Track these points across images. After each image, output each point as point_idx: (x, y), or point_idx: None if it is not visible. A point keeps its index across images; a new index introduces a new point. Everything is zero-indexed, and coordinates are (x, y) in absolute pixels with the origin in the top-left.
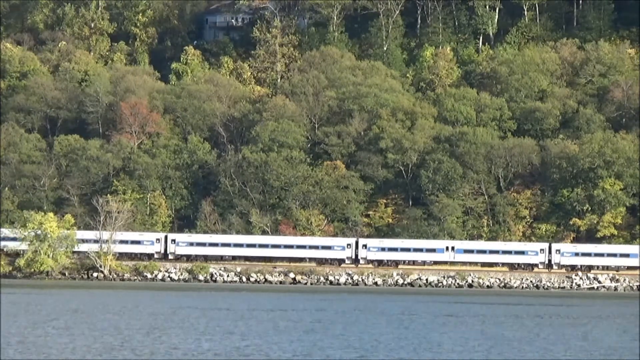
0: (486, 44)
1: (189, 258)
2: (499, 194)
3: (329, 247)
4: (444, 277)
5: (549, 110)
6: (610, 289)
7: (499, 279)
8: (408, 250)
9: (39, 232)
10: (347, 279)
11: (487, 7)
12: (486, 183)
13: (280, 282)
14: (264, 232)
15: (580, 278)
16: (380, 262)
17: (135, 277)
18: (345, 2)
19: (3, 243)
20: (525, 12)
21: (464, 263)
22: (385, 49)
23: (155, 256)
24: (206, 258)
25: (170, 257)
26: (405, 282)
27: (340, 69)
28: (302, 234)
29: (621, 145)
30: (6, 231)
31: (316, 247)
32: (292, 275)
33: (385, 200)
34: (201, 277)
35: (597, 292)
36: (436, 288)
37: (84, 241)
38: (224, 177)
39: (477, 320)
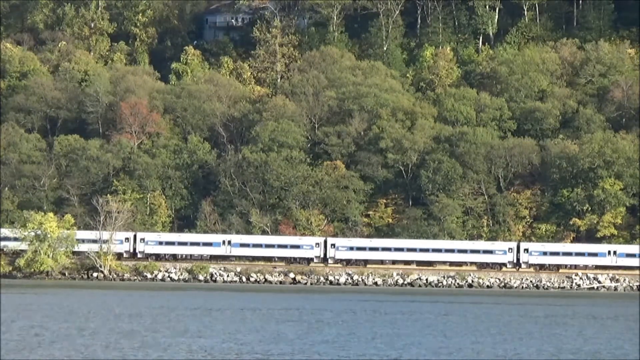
0: (486, 44)
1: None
2: (498, 194)
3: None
4: (444, 277)
5: (549, 110)
6: (610, 289)
7: (499, 279)
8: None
9: (39, 232)
10: (347, 279)
11: (487, 7)
12: (486, 183)
13: (280, 282)
14: (264, 232)
15: (580, 278)
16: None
17: (135, 277)
18: (345, 2)
19: (3, 243)
20: (525, 12)
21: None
22: (385, 49)
23: (315, 260)
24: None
25: (330, 261)
26: (405, 282)
27: (340, 69)
28: (302, 234)
29: (621, 145)
30: (6, 231)
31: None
32: (292, 275)
33: (385, 200)
34: (201, 277)
35: (597, 292)
36: (436, 288)
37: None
38: (224, 177)
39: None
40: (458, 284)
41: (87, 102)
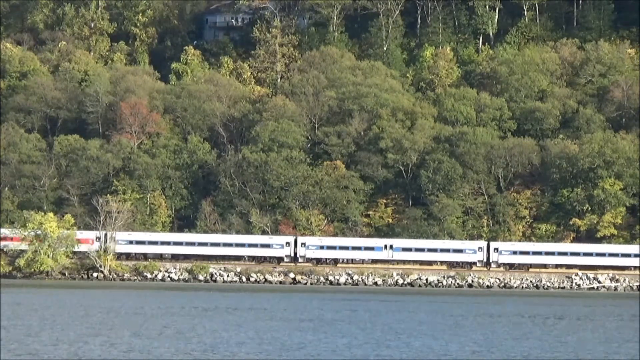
0: (486, 44)
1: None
2: (498, 194)
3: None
4: (443, 277)
5: (549, 110)
6: (610, 289)
7: (499, 279)
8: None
9: (39, 232)
10: (347, 279)
11: (487, 7)
12: (486, 183)
13: (280, 282)
14: (264, 232)
15: (580, 278)
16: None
17: (135, 277)
18: (345, 2)
19: (3, 243)
20: (525, 12)
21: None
22: (385, 49)
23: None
24: None
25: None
26: (405, 282)
27: (340, 69)
28: (302, 233)
29: (621, 145)
30: (6, 231)
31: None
32: (292, 275)
33: (385, 200)
34: (201, 277)
35: (597, 292)
36: (436, 288)
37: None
38: (224, 177)
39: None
40: (458, 284)
41: (87, 102)
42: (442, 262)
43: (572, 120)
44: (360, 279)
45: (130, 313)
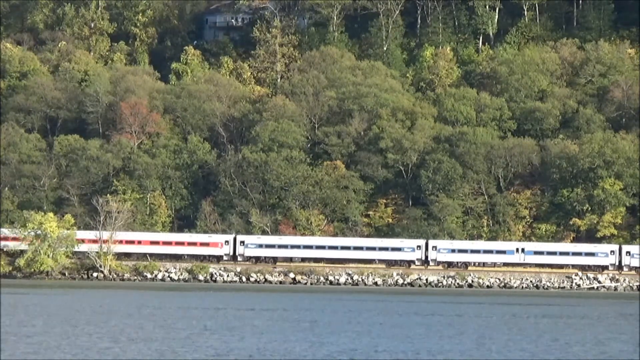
0: (486, 44)
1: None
2: (498, 194)
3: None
4: (443, 277)
5: (549, 110)
6: (610, 289)
7: (499, 279)
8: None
9: (39, 232)
10: (347, 279)
11: (487, 7)
12: (486, 183)
13: (280, 282)
14: (264, 232)
15: (580, 278)
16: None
17: (135, 277)
18: (345, 2)
19: (3, 243)
20: (525, 12)
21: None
22: (385, 49)
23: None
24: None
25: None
26: (405, 282)
27: (340, 69)
28: (302, 233)
29: (621, 145)
30: (6, 231)
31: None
32: (292, 275)
33: (385, 200)
34: (201, 277)
35: (597, 292)
36: (436, 288)
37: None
38: (224, 177)
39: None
40: (458, 283)
41: (87, 102)
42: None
43: (572, 120)
44: (360, 279)
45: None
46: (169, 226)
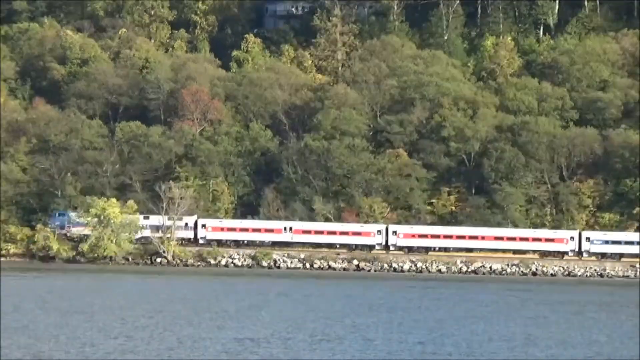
0: (546, 34)
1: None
2: (561, 183)
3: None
4: (507, 265)
5: (611, 100)
6: None
7: (563, 267)
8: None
9: (102, 217)
10: (411, 266)
11: None
12: (549, 172)
13: (344, 269)
14: (327, 220)
15: None
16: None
17: (199, 263)
18: None
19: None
20: (586, 3)
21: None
22: (445, 38)
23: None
24: None
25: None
26: (469, 270)
27: (401, 57)
28: (365, 221)
29: None
30: (72, 215)
31: (349, 233)
32: (355, 262)
33: (448, 189)
34: (264, 264)
35: None
36: (500, 276)
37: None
38: (287, 164)
39: None
40: (522, 271)
41: (148, 89)
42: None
43: (634, 110)
44: (424, 266)
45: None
46: (232, 213)
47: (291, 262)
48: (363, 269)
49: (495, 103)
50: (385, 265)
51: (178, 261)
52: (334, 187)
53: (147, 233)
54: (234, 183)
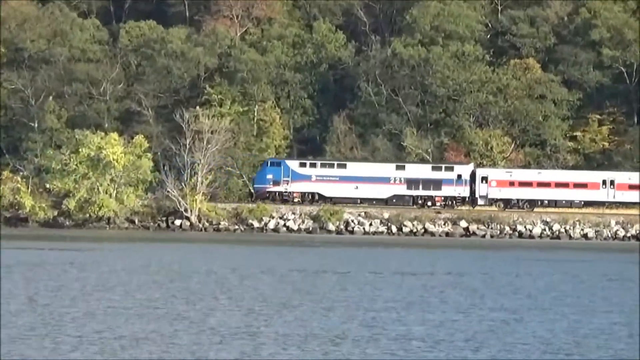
0: None
1: None
2: None
3: None
4: None
5: None
6: None
7: None
8: None
9: (97, 160)
10: (544, 230)
11: None
12: None
13: (447, 234)
14: (422, 160)
15: None
16: None
17: (237, 227)
18: None
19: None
20: None
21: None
22: None
23: None
24: None
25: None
26: (629, 235)
27: None
28: (479, 162)
29: None
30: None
31: None
32: (463, 224)
33: (599, 116)
34: (332, 227)
35: None
36: None
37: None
38: (366, 82)
39: None
40: None
41: None
42: None
43: None
44: (562, 230)
45: None
46: (286, 152)
47: (370, 225)
48: (474, 233)
49: None
50: (507, 229)
51: (206, 224)
52: (434, 115)
53: None
54: (289, 110)
